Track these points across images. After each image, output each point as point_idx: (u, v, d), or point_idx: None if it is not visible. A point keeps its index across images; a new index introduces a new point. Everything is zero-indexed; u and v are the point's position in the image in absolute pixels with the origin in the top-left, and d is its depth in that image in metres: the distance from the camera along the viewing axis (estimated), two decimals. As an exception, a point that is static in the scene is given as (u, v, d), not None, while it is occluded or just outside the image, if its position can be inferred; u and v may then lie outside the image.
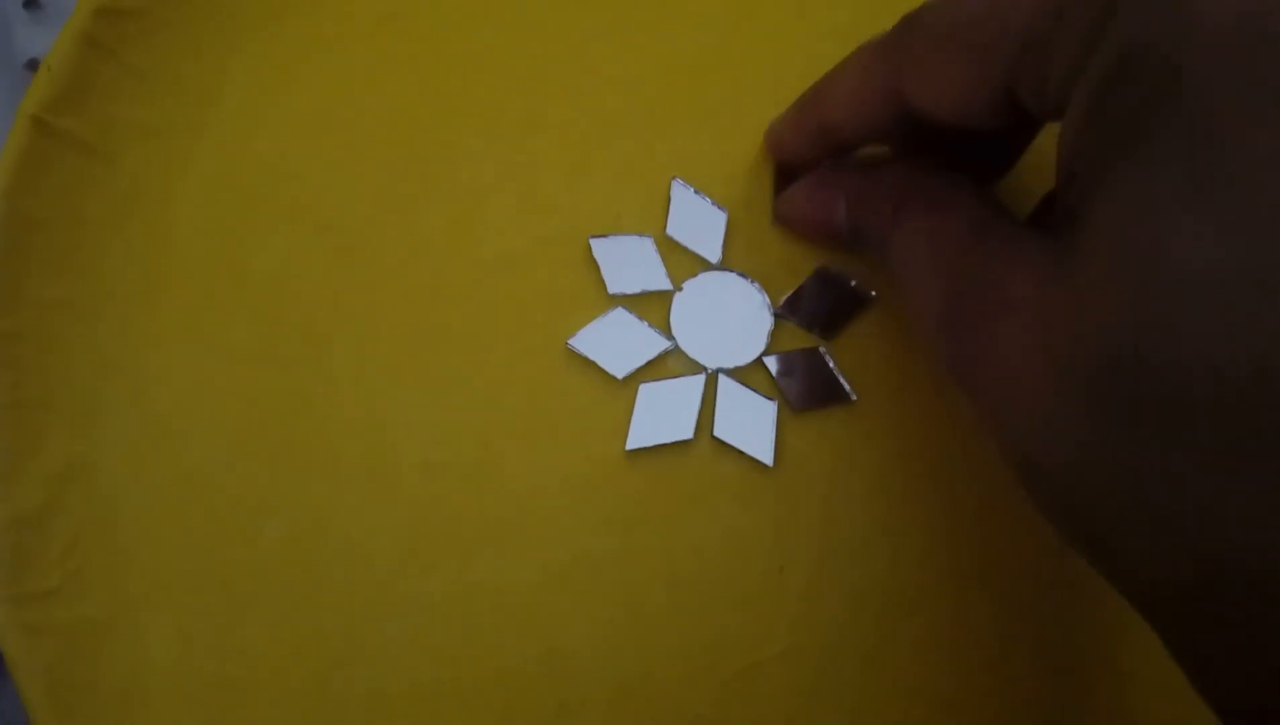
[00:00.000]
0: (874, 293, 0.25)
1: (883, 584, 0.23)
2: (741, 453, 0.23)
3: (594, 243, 0.25)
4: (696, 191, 0.25)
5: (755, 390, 0.24)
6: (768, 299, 0.25)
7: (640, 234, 0.25)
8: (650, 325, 0.24)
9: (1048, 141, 0.19)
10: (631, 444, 0.23)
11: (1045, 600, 0.23)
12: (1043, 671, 0.23)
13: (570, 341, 0.24)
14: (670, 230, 0.25)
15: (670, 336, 0.24)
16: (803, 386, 0.24)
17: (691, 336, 0.24)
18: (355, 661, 0.22)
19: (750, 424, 0.23)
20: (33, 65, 0.27)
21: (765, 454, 0.23)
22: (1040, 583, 0.23)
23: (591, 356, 0.24)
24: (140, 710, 0.22)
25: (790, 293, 0.25)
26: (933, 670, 0.23)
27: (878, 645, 0.23)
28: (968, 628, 0.23)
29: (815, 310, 0.24)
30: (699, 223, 0.25)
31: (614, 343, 0.24)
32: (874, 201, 0.22)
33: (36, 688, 0.21)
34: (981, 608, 0.23)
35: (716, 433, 0.23)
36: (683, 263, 0.25)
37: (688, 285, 0.25)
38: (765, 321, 0.24)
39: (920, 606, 0.23)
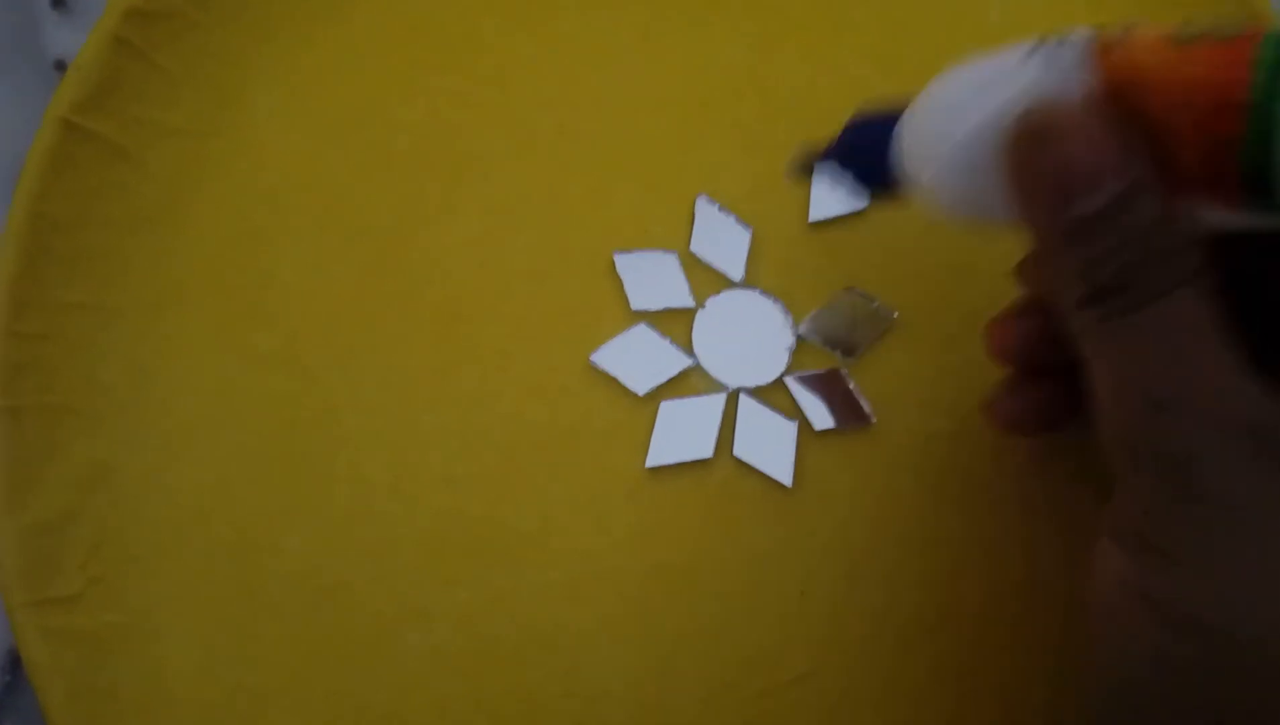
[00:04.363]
0: (896, 314, 0.24)
1: (902, 606, 0.23)
2: (761, 473, 0.23)
3: (618, 258, 0.25)
4: (721, 208, 0.25)
5: (776, 410, 0.24)
6: (790, 318, 0.25)
7: (664, 250, 0.25)
8: (672, 342, 0.24)
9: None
10: (651, 462, 0.23)
11: (1064, 623, 0.23)
12: (1061, 695, 0.23)
13: (592, 357, 0.24)
14: (694, 247, 0.25)
15: (692, 354, 0.24)
16: (823, 407, 0.24)
17: (713, 355, 0.24)
18: (376, 673, 0.22)
19: (770, 444, 0.24)
20: (60, 65, 0.27)
21: (785, 475, 0.23)
22: (1059, 606, 0.23)
23: (613, 373, 0.24)
24: (160, 717, 0.22)
25: (812, 312, 0.25)
26: (953, 692, 0.23)
27: (898, 668, 0.23)
28: (987, 650, 0.23)
29: (837, 330, 0.24)
30: (723, 240, 0.25)
31: (636, 359, 0.24)
32: None
33: (57, 693, 0.21)
34: (1001, 630, 0.23)
35: (736, 452, 0.23)
36: (706, 280, 0.25)
37: (710, 303, 0.25)
38: (787, 341, 0.24)
39: (940, 629, 0.23)
